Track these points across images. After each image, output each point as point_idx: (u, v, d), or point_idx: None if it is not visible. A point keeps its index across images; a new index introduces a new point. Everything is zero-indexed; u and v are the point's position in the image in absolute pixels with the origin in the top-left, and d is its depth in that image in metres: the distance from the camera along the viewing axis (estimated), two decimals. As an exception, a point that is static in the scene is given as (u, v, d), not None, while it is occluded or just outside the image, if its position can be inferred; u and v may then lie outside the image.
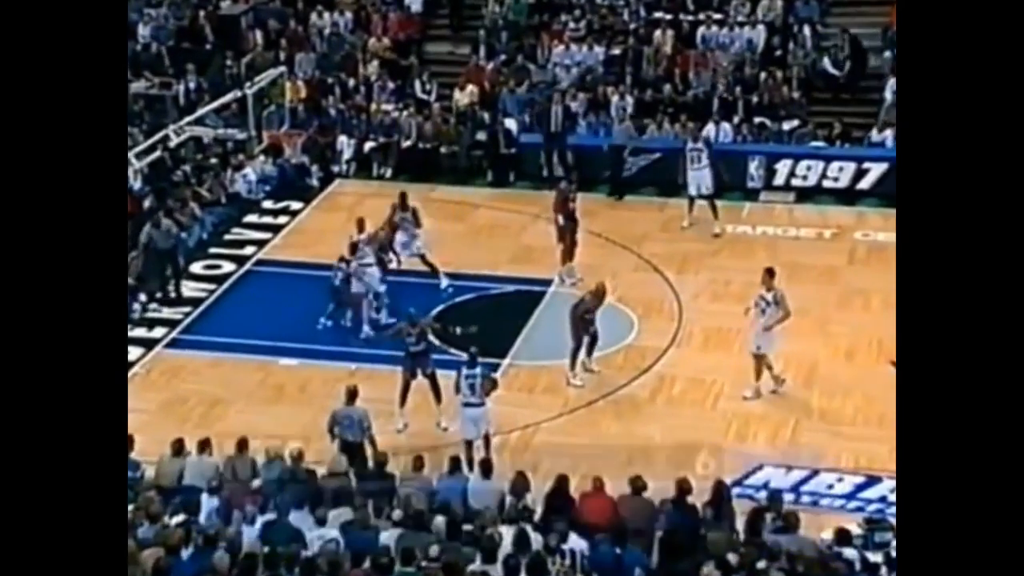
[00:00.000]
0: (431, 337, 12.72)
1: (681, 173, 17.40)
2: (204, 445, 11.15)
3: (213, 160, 19.58)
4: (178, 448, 11.10)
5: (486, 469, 10.86)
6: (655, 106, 20.28)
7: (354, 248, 14.78)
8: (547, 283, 16.00)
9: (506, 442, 12.49)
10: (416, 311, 13.03)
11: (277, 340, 14.31)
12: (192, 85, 21.35)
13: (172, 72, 21.74)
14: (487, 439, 11.94)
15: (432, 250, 16.30)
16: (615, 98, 20.29)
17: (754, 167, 19.05)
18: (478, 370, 11.96)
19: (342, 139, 20.39)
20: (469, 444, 11.89)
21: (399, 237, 15.64)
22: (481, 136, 20.18)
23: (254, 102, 19.83)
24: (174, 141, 18.83)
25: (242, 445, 11.15)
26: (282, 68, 20.95)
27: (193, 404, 13.35)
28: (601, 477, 10.68)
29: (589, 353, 13.75)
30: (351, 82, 21.52)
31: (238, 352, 14.37)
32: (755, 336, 13.19)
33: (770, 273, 13.22)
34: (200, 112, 19.80)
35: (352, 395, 11.75)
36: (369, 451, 11.37)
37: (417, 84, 21.44)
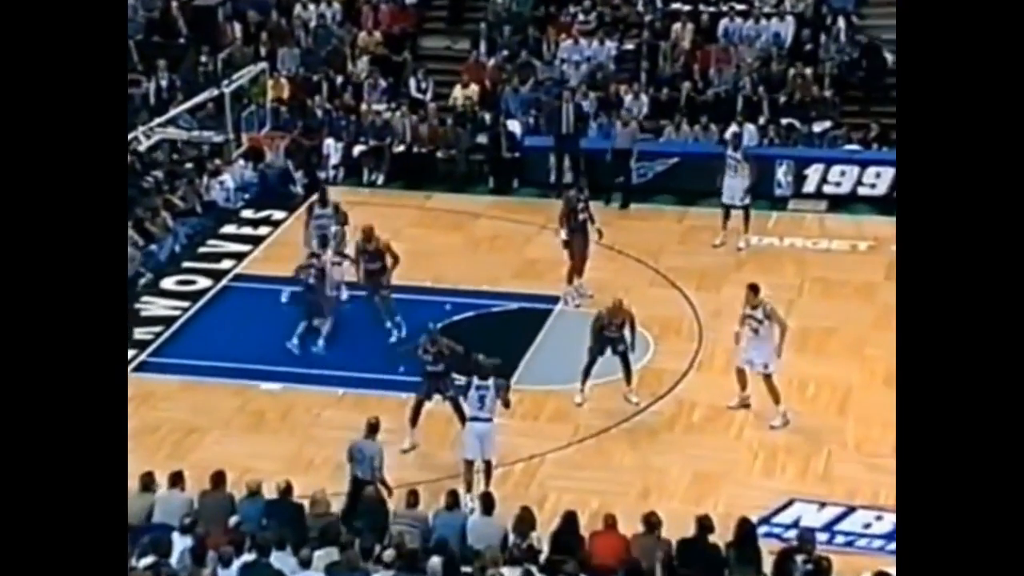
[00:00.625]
0: (448, 355, 12.70)
1: (718, 179, 17.41)
2: (176, 479, 11.17)
3: (187, 165, 19.67)
4: (147, 482, 11.11)
5: (487, 504, 10.86)
6: (672, 106, 20.37)
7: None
8: (554, 300, 16.04)
9: (509, 474, 12.50)
10: (434, 328, 13.02)
11: (257, 363, 14.35)
12: (164, 83, 21.45)
13: (141, 69, 21.85)
14: (488, 467, 11.94)
15: (427, 264, 16.36)
16: (628, 97, 20.39)
17: (782, 173, 19.10)
18: (490, 382, 11.92)
19: (329, 142, 20.48)
20: (470, 465, 11.90)
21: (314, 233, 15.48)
22: (481, 139, 20.27)
23: (232, 102, 19.93)
24: (144, 144, 18.92)
25: (218, 479, 11.16)
26: (263, 64, 21.06)
27: (164, 433, 13.37)
28: (613, 513, 10.70)
29: (627, 380, 13.77)
30: (339, 80, 21.63)
31: (214, 376, 14.40)
32: (756, 355, 13.20)
33: (754, 290, 13.25)
34: (172, 112, 19.89)
35: (372, 428, 11.68)
36: (383, 493, 11.23)
37: (411, 82, 21.54)
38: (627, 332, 13.59)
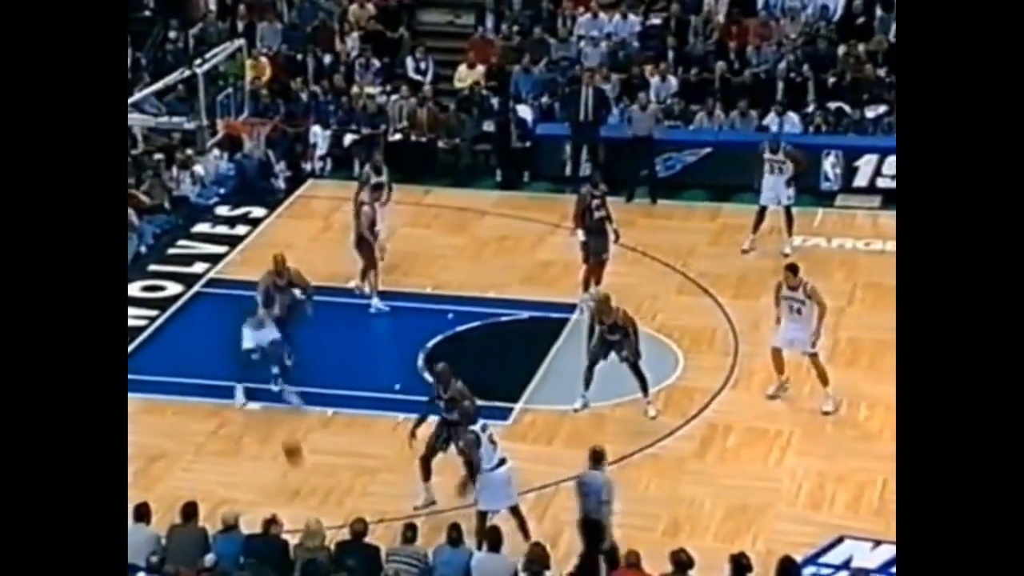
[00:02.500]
0: (462, 402, 12.31)
1: (756, 178, 17.43)
2: (141, 511, 11.20)
3: (154, 156, 19.75)
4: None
5: (494, 539, 10.89)
6: (704, 89, 20.41)
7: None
8: (569, 309, 16.08)
9: (521, 502, 12.48)
10: (443, 364, 12.74)
11: (232, 380, 14.39)
12: (127, 61, 21.53)
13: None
14: (517, 513, 11.76)
15: (426, 268, 16.43)
16: (654, 79, 20.43)
17: (829, 165, 19.12)
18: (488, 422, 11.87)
19: (315, 130, 20.56)
20: (484, 516, 11.78)
21: None
22: (488, 126, 20.34)
23: (205, 83, 19.97)
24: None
25: (189, 511, 11.20)
26: (240, 41, 21.10)
27: (128, 459, 13.40)
28: (637, 551, 10.71)
29: (643, 391, 13.84)
30: (327, 59, 21.71)
31: (184, 394, 14.44)
32: (798, 335, 13.71)
33: (793, 270, 14.00)
34: (137, 95, 19.94)
35: (597, 458, 11.33)
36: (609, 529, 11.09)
37: (409, 61, 21.62)
38: (630, 337, 13.65)
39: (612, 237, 16.00)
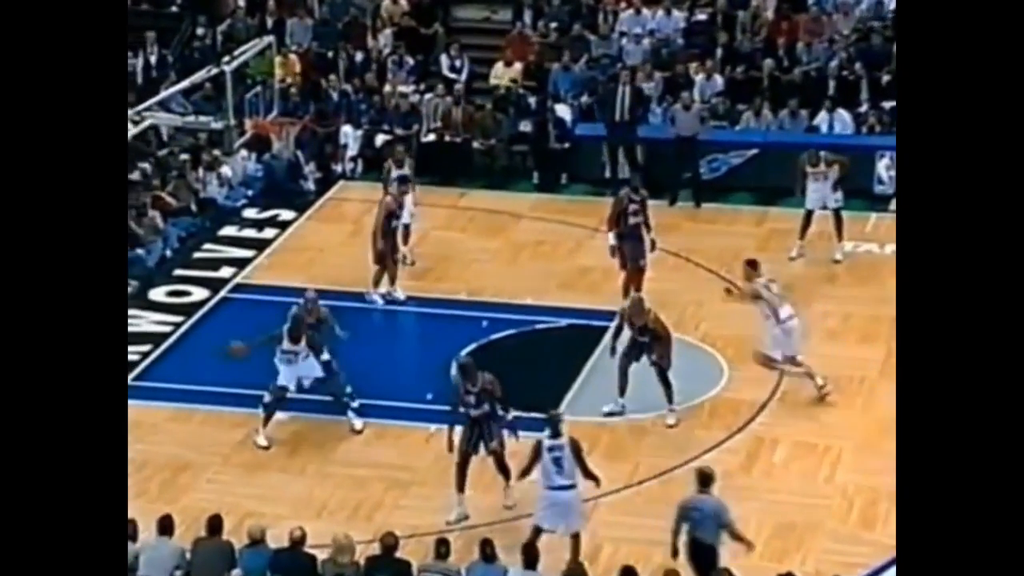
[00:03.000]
0: (492, 394, 12.47)
1: (798, 183, 17.35)
2: (165, 524, 11.25)
3: (180, 156, 19.86)
4: (131, 529, 11.20)
5: (530, 557, 10.88)
6: (752, 88, 20.34)
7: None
8: (609, 316, 15.94)
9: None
10: (468, 357, 12.91)
11: (261, 388, 14.40)
12: (153, 59, 21.70)
13: (128, 42, 22.07)
14: (576, 541, 11.68)
15: (460, 273, 16.44)
16: (699, 77, 20.37)
17: (883, 167, 19.01)
18: (564, 440, 11.63)
19: (346, 130, 20.62)
20: (539, 532, 11.70)
21: None
22: (525, 126, 20.33)
23: (233, 82, 20.07)
24: (131, 131, 19.06)
25: (215, 524, 11.24)
26: (269, 38, 21.22)
27: (151, 471, 13.48)
28: (678, 571, 10.67)
29: (668, 399, 13.80)
30: (358, 56, 21.79)
31: (211, 403, 14.51)
32: (781, 343, 14.04)
33: (752, 265, 14.51)
34: (164, 94, 20.06)
35: (706, 479, 11.20)
36: (730, 547, 11.02)
37: (443, 59, 21.66)
38: (660, 341, 13.66)
39: (648, 245, 15.91)
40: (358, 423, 13.94)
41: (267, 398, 13.80)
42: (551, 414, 11.96)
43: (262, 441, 13.74)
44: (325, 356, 13.91)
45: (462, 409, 12.46)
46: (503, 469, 12.56)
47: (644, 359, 13.84)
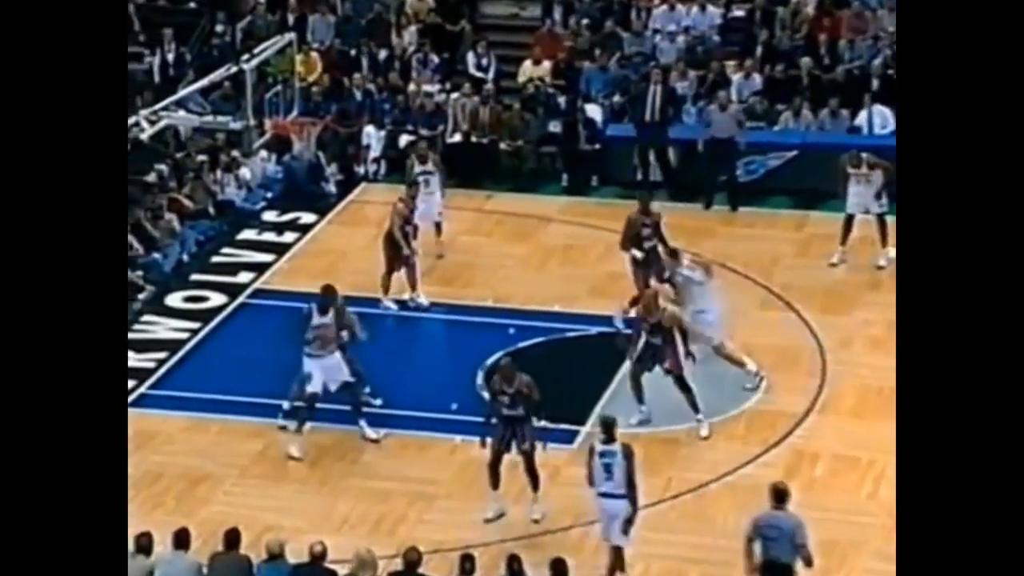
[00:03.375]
0: (528, 395, 12.55)
1: (839, 188, 17.25)
2: (181, 538, 11.25)
3: (198, 157, 19.91)
4: (145, 543, 11.19)
5: (559, 572, 10.83)
6: (791, 87, 20.25)
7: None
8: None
9: (586, 537, 12.46)
10: (507, 359, 12.98)
11: (281, 396, 14.43)
12: (170, 57, 21.77)
13: (144, 39, 22.18)
14: (619, 554, 11.65)
15: (486, 278, 16.41)
16: (736, 76, 20.30)
17: (927, 169, 18.88)
18: (617, 447, 11.60)
19: (369, 130, 20.64)
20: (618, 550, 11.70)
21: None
22: (554, 127, 20.31)
23: (253, 80, 20.16)
24: (146, 131, 19.15)
25: (232, 538, 11.24)
26: (290, 35, 21.30)
27: (167, 483, 13.50)
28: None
29: (693, 407, 13.79)
30: (382, 54, 21.81)
31: (229, 412, 14.53)
32: (702, 329, 14.25)
33: (673, 254, 14.90)
34: (181, 93, 20.16)
35: (780, 495, 10.98)
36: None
37: (470, 57, 21.66)
38: (674, 342, 13.60)
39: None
40: (372, 433, 13.92)
41: (292, 404, 13.76)
42: (604, 417, 11.89)
43: (296, 452, 13.71)
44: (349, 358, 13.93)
45: (494, 415, 12.56)
46: (532, 475, 12.59)
47: (657, 369, 13.75)
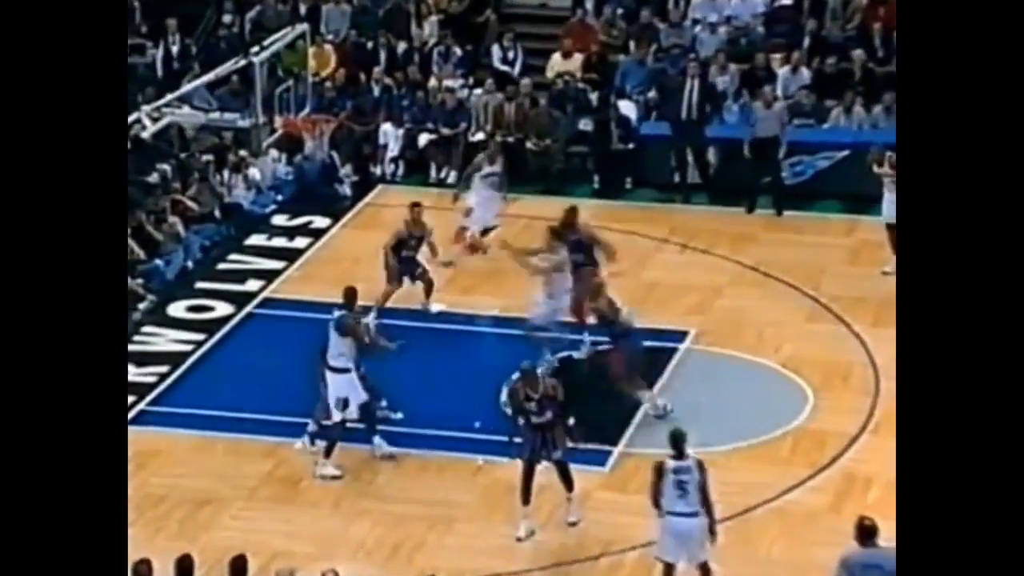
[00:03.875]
0: (554, 399, 12.66)
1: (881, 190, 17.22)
2: (185, 566, 11.28)
3: (203, 157, 20.00)
4: (146, 571, 11.20)
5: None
6: (842, 82, 20.24)
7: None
8: (679, 336, 16.02)
9: (621, 565, 12.50)
10: (532, 362, 13.06)
11: (291, 413, 14.47)
12: (175, 49, 21.89)
13: (146, 30, 22.32)
14: (706, 570, 11.70)
15: (513, 287, 16.42)
16: (783, 70, 20.30)
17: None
18: (690, 462, 11.53)
19: (387, 128, 20.71)
20: (670, 569, 11.74)
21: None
22: (585, 125, 20.34)
23: (263, 75, 20.24)
24: (148, 129, 19.28)
25: (239, 566, 11.26)
26: (303, 27, 21.39)
27: (170, 506, 13.54)
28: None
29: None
30: (401, 47, 21.87)
31: (236, 430, 14.55)
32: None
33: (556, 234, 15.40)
34: (186, 88, 20.26)
35: (869, 532, 10.49)
36: None
37: (495, 50, 21.71)
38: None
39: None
40: (389, 449, 13.96)
41: (318, 425, 13.83)
42: (674, 432, 11.77)
43: (331, 471, 13.73)
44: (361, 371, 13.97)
45: (523, 420, 12.65)
46: (567, 478, 12.66)
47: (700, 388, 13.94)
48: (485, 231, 17.72)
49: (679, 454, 11.58)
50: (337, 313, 13.91)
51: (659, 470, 11.56)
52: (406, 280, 16.37)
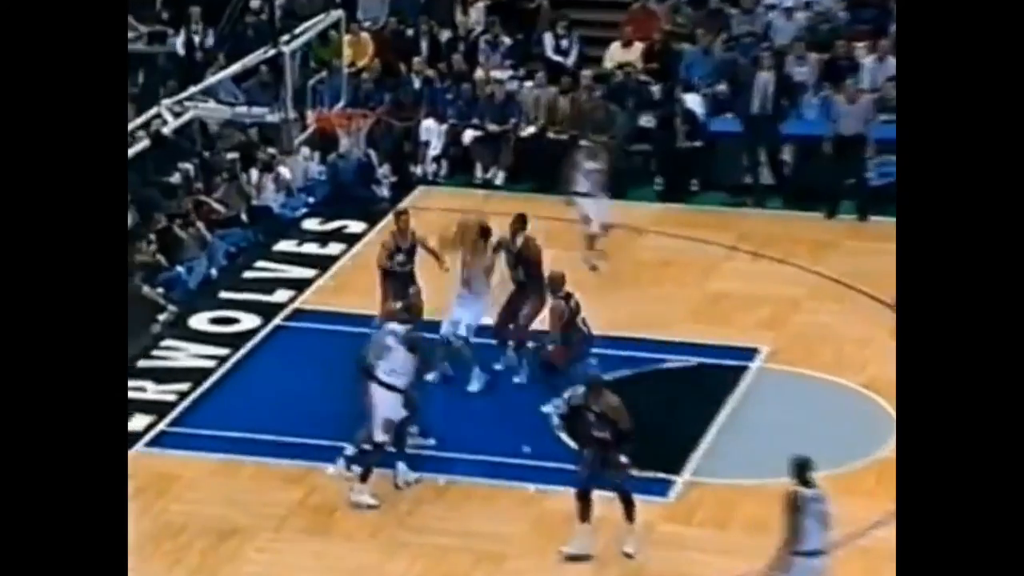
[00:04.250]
0: (614, 419, 12.65)
1: None
2: (207, 599, 11.31)
3: (229, 155, 20.07)
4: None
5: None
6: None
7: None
8: (749, 354, 15.95)
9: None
10: (594, 370, 13.19)
11: (323, 436, 14.45)
12: (198, 38, 21.98)
13: (168, 18, 22.44)
14: None
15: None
16: (867, 60, 20.17)
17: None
18: (824, 491, 11.54)
19: (428, 124, 20.72)
20: None
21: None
22: (647, 121, 20.28)
23: (294, 66, 20.25)
24: (170, 124, 19.29)
25: (266, 600, 11.27)
26: (337, 13, 21.37)
27: (190, 536, 13.54)
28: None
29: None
30: (444, 35, 21.88)
31: (262, 454, 14.56)
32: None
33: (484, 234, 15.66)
34: (210, 80, 20.30)
35: None
36: None
37: (547, 39, 21.68)
38: None
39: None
40: (411, 475, 13.93)
41: (358, 448, 13.81)
42: (799, 460, 11.51)
43: (367, 499, 13.69)
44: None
45: (580, 437, 12.84)
46: (627, 503, 12.66)
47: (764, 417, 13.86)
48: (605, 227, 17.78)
49: (811, 483, 11.38)
50: (402, 327, 13.79)
51: (795, 502, 11.27)
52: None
